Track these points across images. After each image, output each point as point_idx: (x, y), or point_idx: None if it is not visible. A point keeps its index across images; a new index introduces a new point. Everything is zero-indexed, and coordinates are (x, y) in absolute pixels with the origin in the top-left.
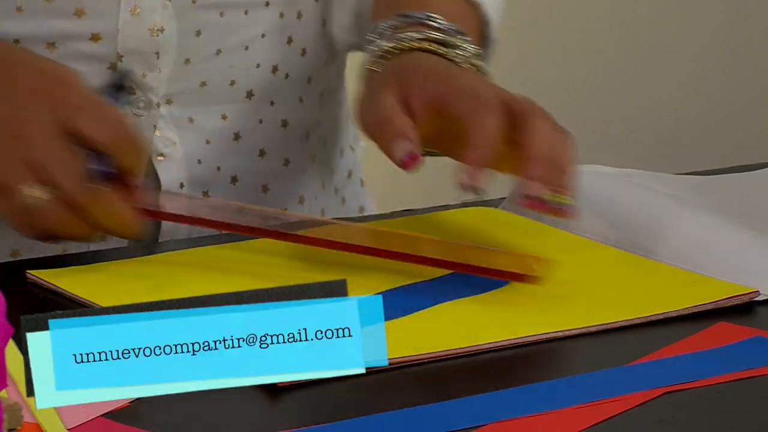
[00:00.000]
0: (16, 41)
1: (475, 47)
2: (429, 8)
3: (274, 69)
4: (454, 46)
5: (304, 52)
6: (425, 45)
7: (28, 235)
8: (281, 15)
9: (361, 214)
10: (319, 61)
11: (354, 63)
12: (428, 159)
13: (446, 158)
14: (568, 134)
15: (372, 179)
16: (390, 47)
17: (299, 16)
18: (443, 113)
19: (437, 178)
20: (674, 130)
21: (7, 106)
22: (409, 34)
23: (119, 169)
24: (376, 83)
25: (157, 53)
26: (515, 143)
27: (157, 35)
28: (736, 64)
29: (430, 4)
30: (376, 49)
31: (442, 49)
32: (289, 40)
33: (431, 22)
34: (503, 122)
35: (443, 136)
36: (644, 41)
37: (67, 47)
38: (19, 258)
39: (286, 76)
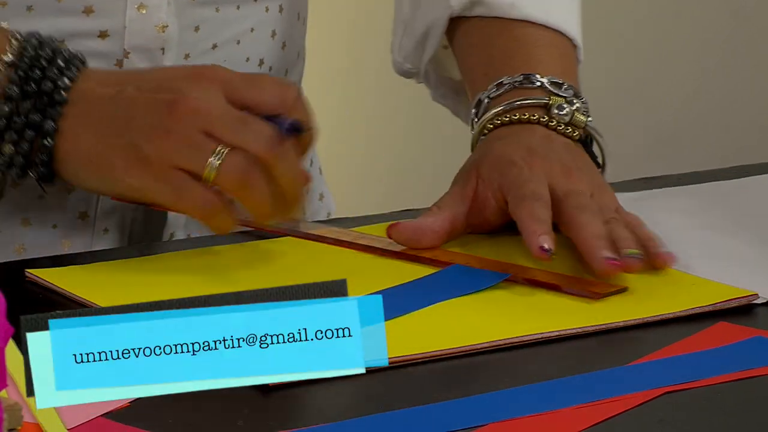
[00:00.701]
0: None
1: (575, 98)
2: (525, 60)
3: (261, 62)
4: (554, 107)
5: (284, 45)
6: (525, 114)
7: (204, 214)
8: (267, 9)
9: (320, 202)
10: (294, 53)
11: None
12: (428, 160)
13: (445, 160)
14: (617, 219)
15: (373, 178)
16: (489, 120)
17: (281, 10)
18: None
19: (437, 179)
20: (674, 130)
21: (170, 93)
22: (503, 108)
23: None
24: (465, 167)
25: (163, 49)
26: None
27: (163, 31)
28: (735, 64)
29: (526, 53)
30: (478, 123)
31: (536, 115)
32: (273, 34)
33: (528, 85)
34: (548, 211)
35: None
36: (644, 41)
37: (76, 44)
38: (21, 257)
39: (270, 69)
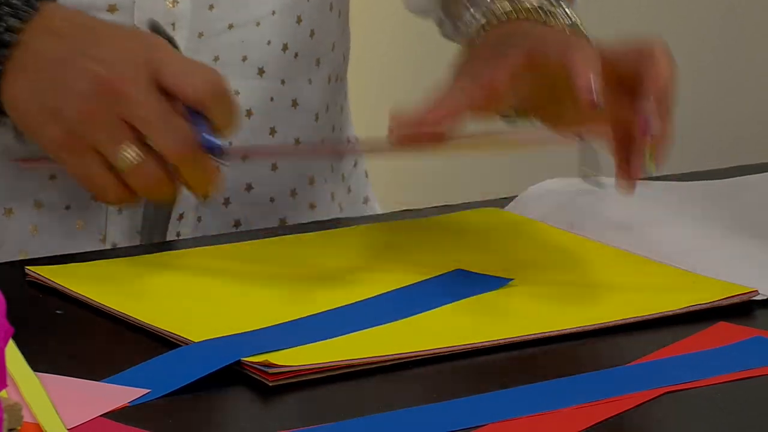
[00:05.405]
0: None
1: (569, 11)
2: None
3: (285, 47)
4: (548, 14)
5: (312, 33)
6: (519, 16)
7: (105, 199)
8: None
9: (365, 205)
10: (327, 44)
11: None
12: (427, 160)
13: (445, 160)
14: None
15: (373, 179)
16: (484, 23)
17: None
18: (535, 69)
19: (437, 179)
20: (673, 131)
21: (102, 66)
22: (502, 5)
23: (213, 126)
24: (457, 63)
25: (173, 24)
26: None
27: (173, 6)
28: (734, 64)
29: None
30: (471, 25)
31: (534, 16)
32: (299, 20)
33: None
34: (599, 57)
35: (537, 97)
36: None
37: None
38: (35, 238)
39: (296, 55)
